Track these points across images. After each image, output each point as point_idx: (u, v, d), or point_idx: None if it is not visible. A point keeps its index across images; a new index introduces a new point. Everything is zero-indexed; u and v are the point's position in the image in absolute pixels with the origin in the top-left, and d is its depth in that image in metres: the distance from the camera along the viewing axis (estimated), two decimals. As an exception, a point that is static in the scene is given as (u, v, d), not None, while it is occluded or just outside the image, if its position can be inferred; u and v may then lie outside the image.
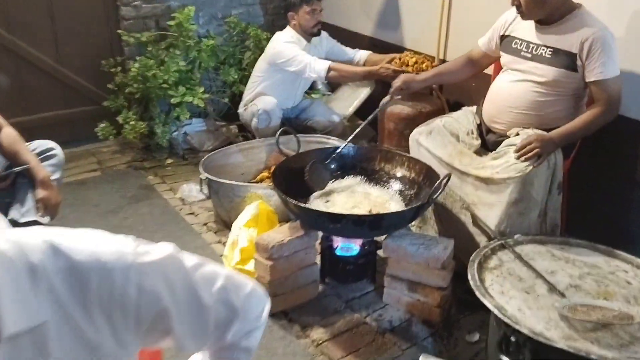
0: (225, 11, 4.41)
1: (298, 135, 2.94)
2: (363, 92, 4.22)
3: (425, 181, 2.70)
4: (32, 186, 2.42)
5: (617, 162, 2.84)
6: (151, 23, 4.15)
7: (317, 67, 3.51)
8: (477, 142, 2.79)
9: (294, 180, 2.68)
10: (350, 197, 2.68)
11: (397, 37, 3.92)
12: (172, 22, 3.94)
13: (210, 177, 3.10)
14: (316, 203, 2.62)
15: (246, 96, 3.86)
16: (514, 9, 2.68)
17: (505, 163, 2.49)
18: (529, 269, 2.18)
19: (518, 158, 2.45)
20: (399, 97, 3.08)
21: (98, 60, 4.07)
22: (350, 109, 4.21)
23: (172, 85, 3.93)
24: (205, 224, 3.25)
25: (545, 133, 2.52)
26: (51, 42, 3.98)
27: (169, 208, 3.42)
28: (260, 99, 3.71)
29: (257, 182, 3.59)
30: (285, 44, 3.64)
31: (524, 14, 2.55)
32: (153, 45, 4.04)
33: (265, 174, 3.59)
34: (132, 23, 4.10)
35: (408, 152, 2.91)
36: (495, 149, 2.73)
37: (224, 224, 3.21)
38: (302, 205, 2.36)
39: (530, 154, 2.43)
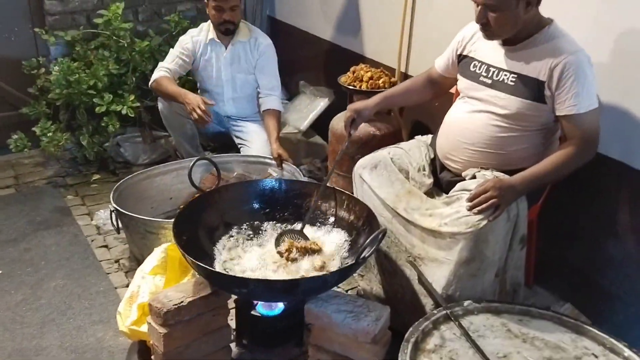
0: (170, 7, 3.93)
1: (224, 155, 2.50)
2: (321, 104, 3.77)
3: (364, 227, 2.25)
4: None
5: (593, 209, 2.40)
6: (81, 19, 3.67)
7: (154, 76, 3.24)
8: (429, 181, 2.35)
9: (208, 223, 2.23)
10: (271, 246, 2.22)
11: (357, 45, 3.46)
12: (99, 20, 3.46)
13: (117, 208, 2.64)
14: (230, 255, 2.16)
15: None
16: (473, 25, 2.23)
17: (455, 213, 2.04)
18: (477, 351, 1.75)
19: (470, 209, 2.00)
20: (355, 129, 2.50)
21: (20, 60, 3.59)
22: (306, 123, 3.75)
23: (100, 90, 3.46)
24: (117, 261, 2.80)
25: (505, 178, 2.07)
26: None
27: (79, 238, 2.96)
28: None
29: (187, 208, 3.14)
30: (182, 37, 3.31)
31: (492, 34, 2.09)
32: (81, 45, 3.56)
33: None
34: (59, 19, 3.63)
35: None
36: (449, 191, 2.29)
37: (138, 263, 2.75)
38: (200, 264, 1.91)
39: (485, 205, 1.98)
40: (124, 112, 3.41)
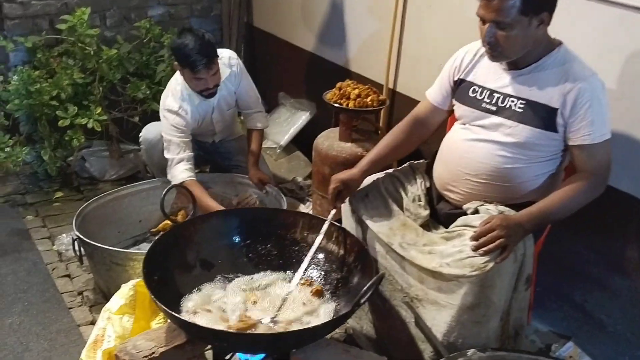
0: (140, 12, 3.67)
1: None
2: (302, 118, 3.57)
3: (356, 264, 2.05)
4: None
5: (598, 243, 2.25)
6: (43, 24, 3.40)
7: (174, 174, 2.70)
8: (426, 213, 2.16)
9: (183, 260, 2.01)
10: (252, 287, 2.00)
11: (341, 58, 3.26)
12: (63, 26, 3.18)
13: (80, 236, 2.39)
14: (205, 297, 1.94)
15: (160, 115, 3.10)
16: (470, 47, 2.05)
17: (458, 253, 1.85)
18: (484, 411, 1.56)
19: (476, 249, 1.82)
20: (341, 202, 2.16)
21: (-25, 67, 3.31)
22: (287, 137, 3.55)
23: (64, 101, 3.19)
24: (80, 293, 2.55)
25: (512, 215, 1.89)
26: None
27: (39, 267, 2.69)
28: (153, 123, 3.00)
29: (157, 231, 2.90)
30: (166, 115, 2.74)
31: (500, 55, 1.91)
32: (43, 52, 3.29)
33: (169, 222, 2.89)
34: (19, 23, 3.35)
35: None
36: (447, 224, 2.11)
37: (104, 296, 2.51)
38: (174, 314, 1.68)
39: (492, 246, 1.80)
40: (89, 125, 3.14)
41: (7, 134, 3.21)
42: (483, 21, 1.87)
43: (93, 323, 2.37)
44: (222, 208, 2.62)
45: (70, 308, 2.44)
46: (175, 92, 2.74)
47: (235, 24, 3.92)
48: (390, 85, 2.95)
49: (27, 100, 3.13)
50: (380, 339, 2.20)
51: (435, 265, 1.89)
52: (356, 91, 2.75)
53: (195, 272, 2.03)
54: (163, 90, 3.41)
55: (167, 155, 2.72)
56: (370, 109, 2.74)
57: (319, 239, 2.06)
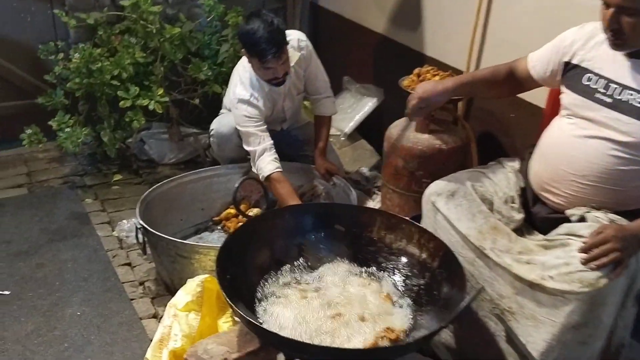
0: (204, -11, 3.52)
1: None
2: (369, 104, 3.38)
3: (441, 269, 1.88)
4: None
5: None
6: (105, 0, 3.28)
7: (260, 166, 2.53)
8: (520, 216, 1.96)
9: (256, 259, 1.87)
10: (330, 293, 1.85)
11: (416, 40, 3.04)
12: (125, 2, 3.07)
13: (145, 225, 2.28)
14: (280, 301, 1.80)
15: (225, 100, 2.96)
16: (580, 29, 1.84)
17: (564, 266, 1.65)
18: None
19: (586, 263, 1.62)
20: (420, 117, 2.21)
21: (37, 44, 3.21)
22: (351, 125, 3.36)
23: (125, 81, 3.08)
24: (142, 283, 2.45)
25: (627, 225, 1.68)
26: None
27: (99, 253, 2.60)
28: (224, 116, 2.84)
29: (219, 220, 2.79)
30: (238, 106, 2.57)
31: (625, 43, 1.68)
32: (104, 29, 3.18)
33: (231, 210, 2.78)
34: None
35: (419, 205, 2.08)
36: (544, 229, 1.91)
37: (166, 288, 2.40)
38: (252, 321, 1.55)
39: (605, 260, 1.60)
40: (150, 107, 3.03)
41: (67, 113, 3.13)
42: (607, 5, 1.64)
43: (155, 316, 2.27)
44: (296, 199, 2.48)
45: (131, 299, 2.34)
46: (244, 80, 2.58)
47: (299, 2, 3.74)
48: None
49: (88, 79, 3.04)
50: (462, 351, 2.02)
51: (536, 277, 1.70)
52: (436, 78, 2.54)
53: (268, 270, 1.88)
54: (225, 71, 3.30)
55: (247, 147, 2.56)
56: (451, 98, 2.53)
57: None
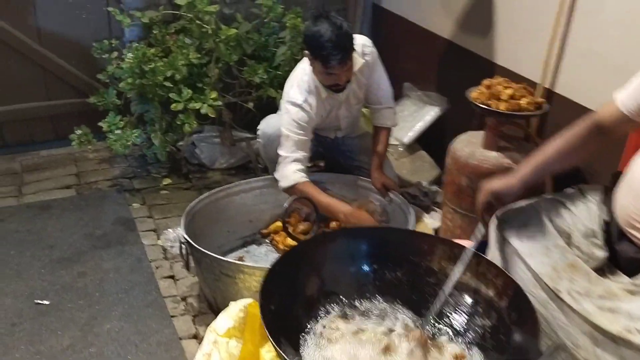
0: (263, -12, 3.39)
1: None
2: (430, 113, 3.17)
3: (511, 311, 1.67)
4: None
5: None
6: (162, -2, 3.20)
7: (285, 173, 2.40)
8: (602, 254, 1.72)
9: (304, 289, 1.71)
10: (383, 331, 1.67)
11: (486, 47, 2.81)
12: (182, 1, 2.96)
13: (189, 240, 2.16)
14: (329, 341, 1.63)
15: (280, 106, 2.81)
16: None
17: (659, 320, 1.42)
18: None
19: (686, 320, 1.38)
20: (492, 215, 1.82)
21: (91, 42, 3.16)
22: (411, 134, 3.16)
23: (178, 82, 2.98)
24: (184, 299, 2.33)
25: None
26: (30, 15, 3.10)
27: (143, 264, 2.51)
28: (273, 116, 2.69)
29: (267, 233, 2.65)
30: (288, 108, 2.42)
31: None
32: (159, 28, 3.09)
33: (279, 223, 2.63)
34: (136, -4, 3.17)
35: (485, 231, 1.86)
36: (631, 271, 1.67)
37: (209, 306, 2.28)
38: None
39: None
40: (203, 111, 2.92)
41: (119, 114, 3.06)
42: None
43: (196, 337, 2.14)
44: (345, 204, 2.32)
45: (172, 316, 2.22)
46: (301, 83, 2.42)
47: (361, 4, 3.56)
48: (547, 85, 2.48)
49: (141, 80, 2.95)
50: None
51: (621, 329, 1.46)
52: (509, 91, 2.31)
53: (317, 302, 1.72)
54: (281, 75, 3.15)
55: (280, 151, 2.42)
56: (525, 113, 2.30)
57: (458, 270, 1.70)
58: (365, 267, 1.82)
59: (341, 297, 1.75)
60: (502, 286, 1.71)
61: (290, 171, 2.40)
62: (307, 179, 2.40)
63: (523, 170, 1.78)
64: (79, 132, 3.00)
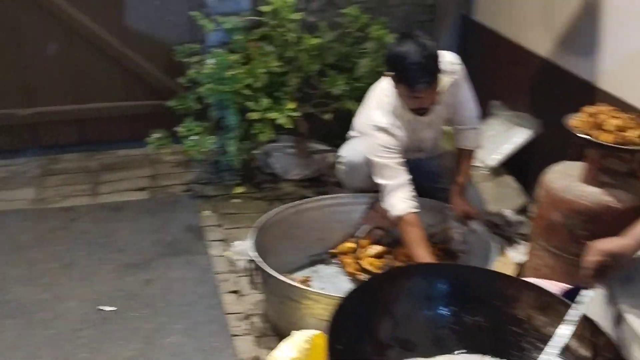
0: (349, -5, 3.28)
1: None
2: (520, 136, 2.94)
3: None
4: None
5: None
6: (244, 3, 3.14)
7: (392, 202, 2.22)
8: None
9: (375, 330, 1.58)
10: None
11: (589, 70, 2.57)
12: (266, 8, 2.89)
13: (257, 260, 2.07)
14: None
15: (356, 122, 2.66)
16: None
17: None
18: None
19: None
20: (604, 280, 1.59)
21: (173, 44, 3.15)
22: (497, 157, 2.95)
23: (257, 91, 2.91)
24: (247, 317, 2.24)
25: None
26: (115, 16, 3.13)
27: (208, 275, 2.45)
28: (356, 142, 2.54)
29: (336, 253, 2.53)
30: (374, 134, 2.27)
31: None
32: (242, 34, 3.03)
33: (350, 244, 2.51)
34: (222, 1, 3.12)
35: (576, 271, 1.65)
36: None
37: (273, 327, 2.18)
38: None
39: None
40: (280, 121, 2.83)
41: (196, 119, 3.03)
42: None
43: (256, 360, 2.05)
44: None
45: (234, 335, 2.14)
46: (384, 105, 2.28)
47: (450, 15, 3.38)
48: (659, 115, 2.22)
49: (220, 86, 2.90)
50: None
51: None
52: (616, 121, 2.08)
53: (388, 347, 1.58)
54: (362, 87, 3.02)
55: (379, 180, 2.27)
56: (633, 147, 2.06)
57: (563, 334, 1.51)
58: (443, 310, 1.67)
59: (414, 344, 1.60)
60: (603, 347, 1.53)
61: (398, 199, 2.24)
62: (416, 212, 2.23)
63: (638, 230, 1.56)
64: (156, 135, 2.99)
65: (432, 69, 2.09)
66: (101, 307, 2.24)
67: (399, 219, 2.20)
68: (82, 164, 3.27)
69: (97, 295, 2.31)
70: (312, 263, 2.53)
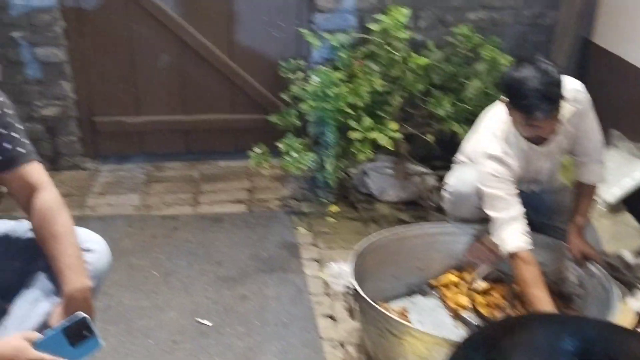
0: (458, 14, 3.17)
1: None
2: (642, 169, 2.72)
3: None
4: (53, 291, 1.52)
5: None
6: (351, 20, 3.10)
7: (503, 237, 2.08)
8: None
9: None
10: None
11: None
12: (375, 27, 2.83)
13: (358, 289, 2.00)
14: None
15: (465, 147, 2.50)
16: None
17: None
18: None
19: None
20: None
21: (278, 60, 3.17)
22: (617, 192, 2.74)
23: (359, 109, 2.86)
24: (342, 345, 2.18)
25: None
26: (224, 30, 3.19)
27: (303, 296, 2.41)
28: (464, 169, 2.41)
29: (436, 285, 2.42)
30: (485, 163, 2.13)
31: None
32: (348, 52, 2.99)
33: (452, 277, 2.39)
34: (330, 18, 3.10)
35: None
36: None
37: (369, 358, 2.10)
38: None
39: None
40: (381, 142, 2.76)
41: (296, 135, 3.02)
42: None
43: (350, 397, 1.98)
44: (554, 309, 1.99)
45: (327, 363, 2.09)
46: (498, 133, 2.15)
47: (568, 36, 3.18)
48: None
49: (323, 104, 2.88)
50: None
51: None
52: None
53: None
54: (469, 110, 2.90)
55: (490, 212, 2.14)
56: None
57: None
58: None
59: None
60: None
61: (510, 234, 2.10)
62: (530, 248, 2.08)
63: None
64: (258, 150, 3.00)
65: (553, 97, 1.94)
66: (200, 320, 2.25)
67: (513, 256, 2.06)
68: (184, 173, 3.35)
69: (195, 306, 2.32)
70: (410, 293, 2.44)
